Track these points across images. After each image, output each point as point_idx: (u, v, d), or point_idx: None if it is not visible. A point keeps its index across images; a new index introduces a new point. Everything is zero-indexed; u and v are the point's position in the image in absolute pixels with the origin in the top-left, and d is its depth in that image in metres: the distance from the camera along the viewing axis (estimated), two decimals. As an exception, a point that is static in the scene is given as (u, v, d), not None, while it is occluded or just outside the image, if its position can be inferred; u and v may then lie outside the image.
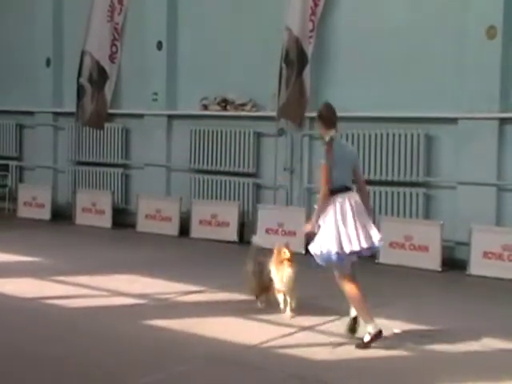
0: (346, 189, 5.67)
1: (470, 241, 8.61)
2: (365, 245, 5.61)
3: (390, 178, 9.60)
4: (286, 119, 10.34)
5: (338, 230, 5.56)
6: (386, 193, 9.60)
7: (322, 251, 5.62)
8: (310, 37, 10.08)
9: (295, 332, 5.94)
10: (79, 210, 12.15)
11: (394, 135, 9.55)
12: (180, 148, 11.58)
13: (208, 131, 11.26)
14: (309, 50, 10.05)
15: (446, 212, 9.19)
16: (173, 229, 11.03)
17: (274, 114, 10.31)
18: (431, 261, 8.78)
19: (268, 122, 10.58)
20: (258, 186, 10.90)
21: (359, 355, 5.41)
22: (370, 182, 9.76)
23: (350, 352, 5.47)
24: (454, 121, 9.12)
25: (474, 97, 8.88)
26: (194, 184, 11.33)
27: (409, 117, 9.47)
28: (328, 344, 5.64)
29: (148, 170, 11.95)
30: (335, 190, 5.61)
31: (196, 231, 10.79)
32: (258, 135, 10.85)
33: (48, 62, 13.17)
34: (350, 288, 5.71)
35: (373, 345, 5.56)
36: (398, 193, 9.50)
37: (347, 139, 9.89)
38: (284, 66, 10.06)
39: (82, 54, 12.01)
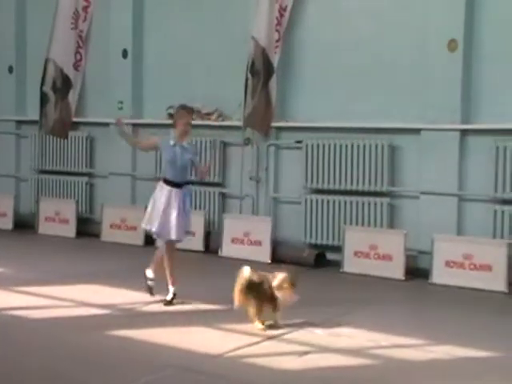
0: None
1: (432, 250, 8.75)
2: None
3: (354, 188, 9.71)
4: (252, 129, 10.38)
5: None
6: (351, 202, 9.70)
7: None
8: (276, 47, 10.15)
9: (261, 341, 5.96)
10: (42, 219, 11.99)
11: (358, 145, 9.66)
12: (145, 157, 11.50)
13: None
14: (275, 60, 10.12)
15: (409, 221, 9.32)
16: (138, 238, 10.95)
17: (240, 123, 10.36)
18: (395, 270, 8.89)
19: (234, 131, 10.62)
20: (223, 196, 10.91)
21: (324, 364, 5.45)
22: (335, 192, 9.89)
23: (316, 361, 5.51)
24: (417, 131, 9.27)
25: (437, 108, 9.04)
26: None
27: (373, 127, 9.61)
28: (294, 353, 5.66)
29: (113, 179, 11.86)
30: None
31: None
32: (224, 144, 10.87)
33: (10, 70, 13.00)
34: None
35: (337, 354, 5.63)
36: (363, 202, 9.61)
37: (312, 149, 9.99)
38: (250, 75, 10.12)
39: (46, 61, 11.86)
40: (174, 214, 6.93)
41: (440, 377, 5.28)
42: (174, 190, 7.01)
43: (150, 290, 7.18)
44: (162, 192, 7.02)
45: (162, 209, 6.94)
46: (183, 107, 7.28)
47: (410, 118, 9.31)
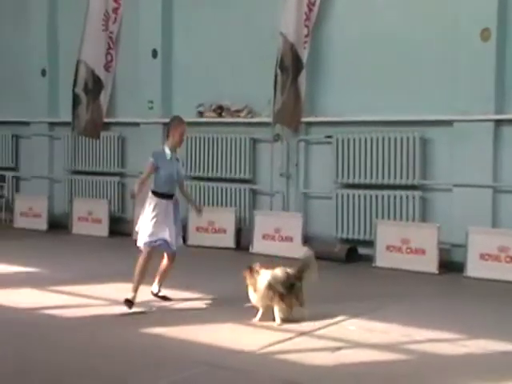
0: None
1: (466, 243, 8.62)
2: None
3: (385, 182, 9.62)
4: (281, 125, 10.36)
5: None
6: (383, 196, 9.62)
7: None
8: (305, 42, 10.11)
9: (294, 337, 5.94)
10: (76, 220, 12.15)
11: (389, 139, 9.57)
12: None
13: (204, 138, 11.28)
14: (304, 55, 10.09)
15: (442, 214, 9.21)
16: (170, 236, 11.01)
17: (269, 119, 10.34)
18: (428, 263, 8.79)
19: (264, 127, 10.61)
20: (254, 192, 10.91)
21: (357, 360, 5.41)
22: (366, 186, 9.82)
23: (349, 357, 5.47)
24: (449, 123, 9.15)
25: (469, 99, 8.91)
26: (190, 191, 11.31)
27: (404, 120, 9.51)
28: (327, 349, 5.63)
29: (144, 178, 11.93)
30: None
31: (193, 238, 10.78)
32: (254, 141, 10.87)
33: (43, 73, 13.19)
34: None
35: (370, 350, 5.58)
36: (395, 196, 9.52)
37: (343, 144, 9.93)
38: (279, 71, 10.10)
39: (77, 63, 12.03)
40: (173, 226, 6.84)
41: (475, 371, 5.20)
42: (169, 202, 6.82)
43: (166, 298, 7.15)
44: (160, 207, 6.76)
45: (165, 222, 6.77)
46: (179, 118, 7.07)
47: (441, 109, 9.19)
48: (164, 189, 6.82)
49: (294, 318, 6.32)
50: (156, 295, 7.15)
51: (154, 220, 6.75)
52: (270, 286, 6.21)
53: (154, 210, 6.76)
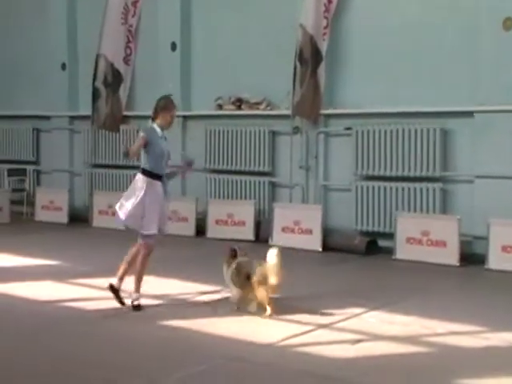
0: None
1: (488, 235, 8.53)
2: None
3: (406, 174, 9.55)
4: (300, 117, 10.32)
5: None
6: (403, 188, 9.55)
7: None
8: (324, 34, 10.05)
9: (313, 330, 5.92)
10: (96, 213, 12.22)
11: (409, 130, 9.50)
12: (195, 148, 11.60)
13: (223, 131, 11.27)
14: (323, 47, 10.04)
15: (463, 206, 9.12)
16: (189, 229, 11.06)
17: (288, 112, 10.31)
18: (449, 256, 8.72)
19: (283, 120, 10.58)
20: (273, 185, 10.89)
21: (377, 352, 5.38)
22: (386, 178, 9.76)
23: (369, 349, 5.44)
24: (469, 114, 9.04)
25: (491, 89, 8.80)
26: (209, 184, 11.35)
27: (424, 111, 9.42)
28: (347, 341, 5.61)
29: (164, 171, 11.97)
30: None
31: (212, 231, 10.80)
32: (273, 134, 10.84)
33: (63, 67, 13.27)
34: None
35: (391, 342, 5.55)
36: (415, 188, 9.45)
37: (362, 136, 9.88)
38: (298, 63, 10.06)
39: (97, 57, 12.09)
40: (166, 208, 6.68)
41: (497, 364, 5.15)
42: (161, 184, 6.57)
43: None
44: (156, 190, 6.50)
45: (161, 206, 6.55)
46: (172, 101, 6.88)
47: (462, 100, 9.09)
48: (157, 168, 6.52)
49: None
50: (117, 290, 6.63)
51: (153, 207, 6.44)
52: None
53: (149, 195, 6.44)
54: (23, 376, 4.91)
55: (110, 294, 6.67)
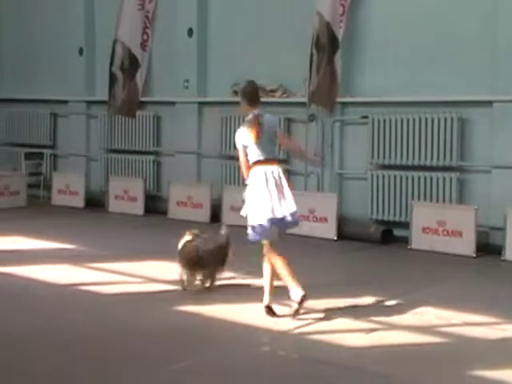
0: (266, 160, 5.96)
1: (505, 225, 8.48)
2: (283, 214, 5.86)
3: (422, 163, 9.50)
4: (317, 105, 10.27)
5: (263, 199, 5.86)
6: (419, 178, 9.50)
7: (254, 225, 5.93)
8: (341, 21, 9.97)
9: (328, 318, 5.93)
10: (112, 198, 12.28)
11: (426, 119, 9.43)
12: (211, 135, 11.61)
13: (239, 118, 11.24)
14: (339, 34, 9.96)
15: (480, 196, 9.06)
16: (204, 215, 11.09)
17: (304, 99, 10.26)
18: (465, 246, 8.68)
19: (299, 107, 10.54)
20: (289, 173, 10.84)
21: (392, 341, 5.39)
22: (402, 167, 9.71)
23: (383, 338, 5.46)
24: (488, 104, 8.96)
25: (509, 78, 8.71)
26: (224, 170, 11.36)
27: (442, 100, 9.35)
28: (361, 330, 5.62)
29: (179, 157, 12.01)
30: (258, 162, 5.96)
31: (227, 217, 10.80)
32: (289, 121, 10.81)
33: (81, 51, 13.29)
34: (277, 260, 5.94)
35: (405, 332, 5.55)
36: (431, 177, 9.40)
37: (379, 124, 9.83)
38: (315, 51, 9.98)
39: (114, 42, 12.08)
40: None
41: (512, 356, 5.15)
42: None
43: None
44: None
45: None
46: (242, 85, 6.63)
47: (480, 89, 9.01)
48: None
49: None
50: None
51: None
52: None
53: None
54: (37, 357, 4.98)
55: (127, 279, 6.73)
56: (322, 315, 5.99)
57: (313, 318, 5.90)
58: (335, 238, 9.68)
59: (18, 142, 14.28)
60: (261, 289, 6.21)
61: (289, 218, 5.90)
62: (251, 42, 11.21)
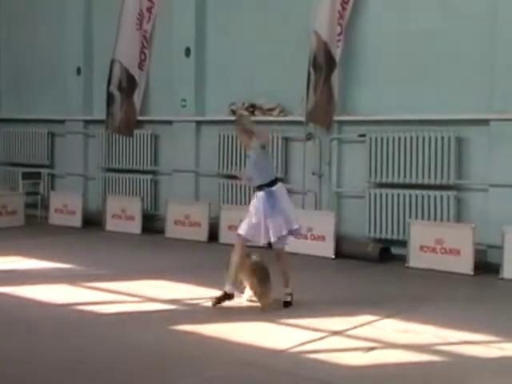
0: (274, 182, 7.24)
1: (503, 244, 8.48)
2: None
3: (420, 181, 9.52)
4: (314, 123, 10.32)
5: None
6: (417, 196, 9.51)
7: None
8: (338, 40, 10.05)
9: (326, 336, 5.91)
10: (109, 217, 12.27)
11: (424, 138, 9.46)
12: (208, 153, 11.64)
13: (236, 136, 11.26)
14: (337, 53, 10.03)
15: (477, 215, 9.07)
16: (202, 234, 11.07)
17: (302, 118, 10.31)
18: (463, 264, 8.67)
19: (296, 126, 10.58)
20: (287, 191, 10.84)
21: (390, 360, 5.36)
22: (399, 186, 9.72)
23: (382, 357, 5.42)
24: (485, 122, 9.00)
25: (507, 97, 8.76)
26: (222, 189, 11.36)
27: (439, 119, 9.39)
28: (359, 349, 5.59)
29: (176, 176, 12.02)
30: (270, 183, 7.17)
31: (225, 236, 10.78)
32: (287, 140, 10.84)
33: (78, 71, 13.36)
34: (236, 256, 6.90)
35: (403, 350, 5.53)
36: (429, 196, 9.41)
37: (376, 143, 9.86)
38: (312, 70, 10.05)
39: (112, 62, 12.16)
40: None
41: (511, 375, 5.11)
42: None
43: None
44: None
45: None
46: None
47: (478, 108, 9.05)
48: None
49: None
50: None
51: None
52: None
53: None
54: (35, 376, 4.93)
55: (124, 298, 6.69)
56: (319, 334, 5.96)
57: (311, 336, 5.87)
58: (333, 257, 9.66)
59: (15, 162, 14.30)
60: (258, 307, 6.18)
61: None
62: (249, 62, 11.27)
